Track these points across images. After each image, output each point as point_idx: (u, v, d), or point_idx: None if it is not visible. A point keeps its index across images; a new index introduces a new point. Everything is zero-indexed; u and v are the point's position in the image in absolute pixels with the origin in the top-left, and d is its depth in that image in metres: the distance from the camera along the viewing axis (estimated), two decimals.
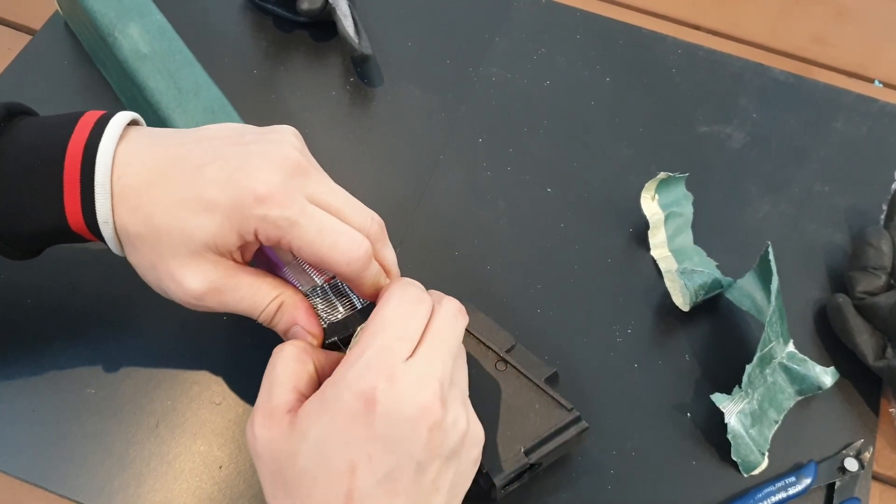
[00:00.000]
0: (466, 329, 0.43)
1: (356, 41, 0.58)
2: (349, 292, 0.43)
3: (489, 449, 0.41)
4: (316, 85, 0.60)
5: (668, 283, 0.53)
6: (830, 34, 0.66)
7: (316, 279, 0.43)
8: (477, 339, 0.45)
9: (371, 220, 0.41)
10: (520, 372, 0.44)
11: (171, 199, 0.38)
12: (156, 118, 0.51)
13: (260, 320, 0.41)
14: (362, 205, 0.42)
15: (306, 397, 0.37)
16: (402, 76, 0.61)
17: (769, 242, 0.48)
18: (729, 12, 0.67)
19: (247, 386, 0.48)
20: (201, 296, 0.40)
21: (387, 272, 0.42)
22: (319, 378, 0.39)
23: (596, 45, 0.64)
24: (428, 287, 0.47)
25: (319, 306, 0.42)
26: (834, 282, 0.54)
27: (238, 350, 0.49)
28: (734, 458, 0.47)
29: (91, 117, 0.40)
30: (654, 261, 0.54)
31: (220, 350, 0.50)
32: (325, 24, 0.61)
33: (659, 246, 0.55)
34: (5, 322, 0.49)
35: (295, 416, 0.36)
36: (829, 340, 0.52)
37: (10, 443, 0.47)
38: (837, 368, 0.50)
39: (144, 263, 0.40)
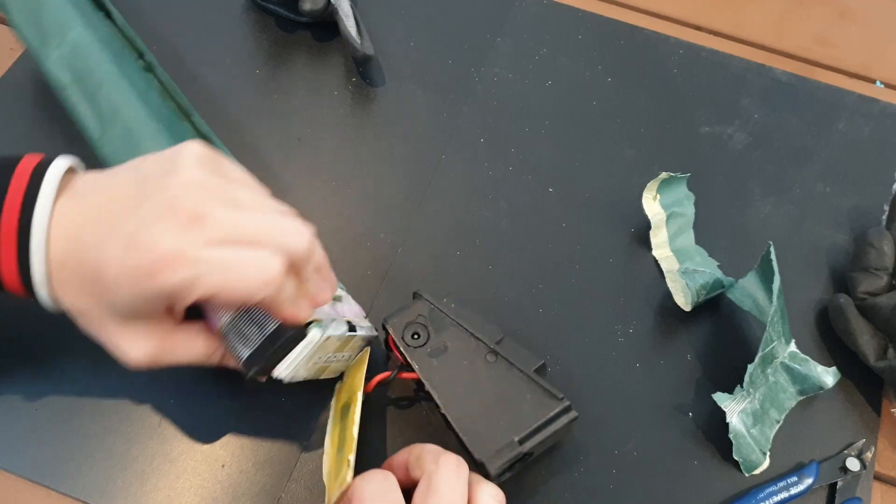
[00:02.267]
0: (457, 321, 0.44)
1: (358, 41, 0.59)
2: (259, 319, 0.41)
3: (483, 439, 0.42)
4: (318, 85, 0.61)
5: (669, 283, 0.53)
6: (833, 35, 0.66)
7: (224, 317, 0.42)
8: (467, 331, 0.46)
9: (292, 235, 0.38)
10: (510, 363, 0.44)
11: (86, 275, 0.38)
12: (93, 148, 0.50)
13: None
14: (282, 220, 0.38)
15: None
16: (403, 76, 0.61)
17: (771, 242, 0.48)
18: (731, 13, 0.67)
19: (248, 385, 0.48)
20: (144, 364, 0.41)
21: (311, 298, 0.41)
22: None
23: (598, 46, 0.64)
24: (429, 287, 0.48)
25: (233, 340, 0.41)
26: (835, 282, 0.54)
27: None
28: (736, 458, 0.47)
29: (28, 165, 0.39)
30: (656, 261, 0.54)
31: None
32: (327, 24, 0.61)
33: (661, 246, 0.55)
34: (7, 321, 0.49)
35: None
36: (831, 340, 0.52)
37: (12, 441, 0.47)
38: (839, 368, 0.50)
39: (87, 333, 0.40)
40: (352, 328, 0.44)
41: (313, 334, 0.41)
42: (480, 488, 0.39)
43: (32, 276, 0.38)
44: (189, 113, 0.53)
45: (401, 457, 0.42)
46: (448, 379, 0.44)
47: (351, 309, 0.47)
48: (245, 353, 0.41)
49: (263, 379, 0.43)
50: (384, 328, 0.47)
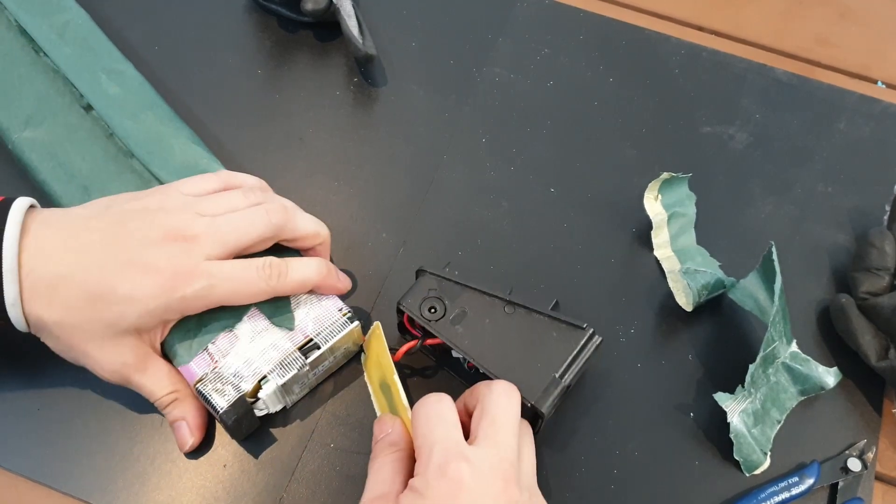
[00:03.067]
0: (467, 285, 0.46)
1: (360, 41, 0.59)
2: (233, 380, 0.44)
3: (526, 384, 0.44)
4: (320, 85, 0.61)
5: (671, 284, 0.53)
6: (834, 35, 0.66)
7: (205, 368, 0.44)
8: (480, 291, 0.47)
9: (258, 225, 0.45)
10: (528, 309, 0.46)
11: (86, 293, 0.42)
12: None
13: (155, 405, 0.46)
14: (246, 216, 0.45)
15: None
16: (405, 76, 0.61)
17: (772, 242, 0.48)
18: (732, 13, 0.67)
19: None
20: (114, 374, 0.43)
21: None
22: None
23: (599, 46, 0.64)
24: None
25: (210, 387, 0.44)
26: (837, 282, 0.54)
27: None
28: (737, 458, 0.47)
29: None
30: (657, 261, 0.54)
31: None
32: (329, 24, 0.61)
33: (662, 246, 0.55)
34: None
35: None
36: (832, 341, 0.52)
37: (14, 441, 0.47)
38: (840, 369, 0.50)
39: (60, 346, 0.43)
40: (308, 349, 0.45)
41: (266, 389, 0.45)
42: (489, 387, 0.42)
43: (4, 297, 0.41)
44: (129, 151, 0.52)
45: (460, 399, 0.43)
46: (476, 340, 0.46)
47: (319, 310, 0.47)
48: (227, 400, 0.44)
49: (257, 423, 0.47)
50: (398, 311, 0.48)
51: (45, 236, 0.42)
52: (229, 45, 0.62)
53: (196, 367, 0.44)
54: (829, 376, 0.50)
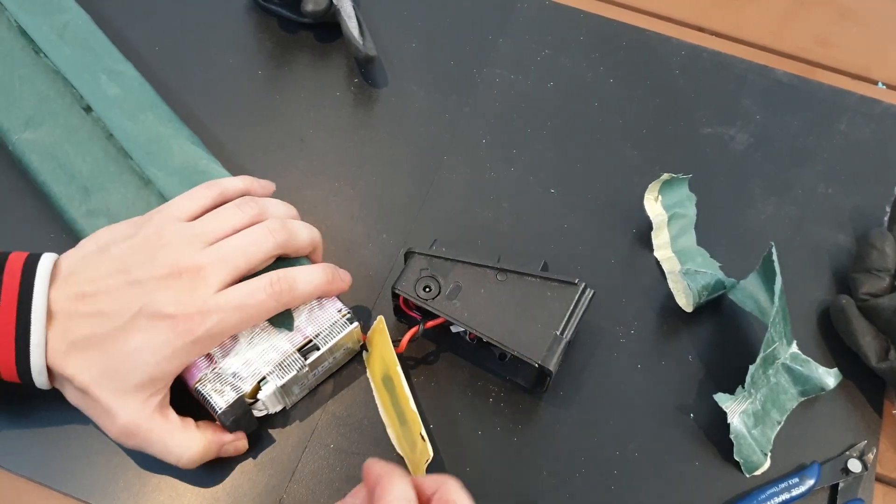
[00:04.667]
0: (457, 260, 0.47)
1: (360, 42, 0.59)
2: (233, 381, 0.44)
3: (531, 345, 0.45)
4: (320, 86, 0.61)
5: (671, 284, 0.53)
6: (834, 36, 0.66)
7: (204, 369, 0.44)
8: (470, 264, 0.48)
9: (259, 246, 0.44)
10: (519, 273, 0.47)
11: (101, 352, 0.41)
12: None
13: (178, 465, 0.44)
14: (246, 238, 0.44)
15: None
16: (406, 77, 0.61)
17: (773, 243, 0.48)
18: (732, 14, 0.67)
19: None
20: (127, 431, 0.42)
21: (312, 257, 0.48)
22: None
23: (599, 47, 0.64)
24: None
25: (209, 387, 0.44)
26: (837, 283, 0.54)
27: None
28: (737, 459, 0.47)
29: (16, 264, 0.42)
30: (658, 262, 0.54)
31: None
32: (329, 25, 0.61)
33: (662, 247, 0.55)
34: None
35: None
36: (833, 342, 0.52)
37: (14, 441, 0.47)
38: (840, 370, 0.50)
39: (75, 397, 0.43)
40: (307, 350, 0.45)
41: (266, 389, 0.45)
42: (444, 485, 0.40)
43: (31, 369, 0.41)
44: (127, 153, 0.52)
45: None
46: (474, 311, 0.47)
47: (318, 311, 0.47)
48: (226, 401, 0.44)
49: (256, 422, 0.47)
50: (393, 296, 0.48)
51: (57, 298, 0.42)
52: (230, 46, 0.62)
53: (195, 367, 0.44)
54: (829, 377, 0.50)
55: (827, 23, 0.67)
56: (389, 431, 0.48)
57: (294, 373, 0.45)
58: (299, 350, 0.45)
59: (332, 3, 0.60)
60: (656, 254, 0.55)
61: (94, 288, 0.42)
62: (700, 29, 0.67)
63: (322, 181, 0.57)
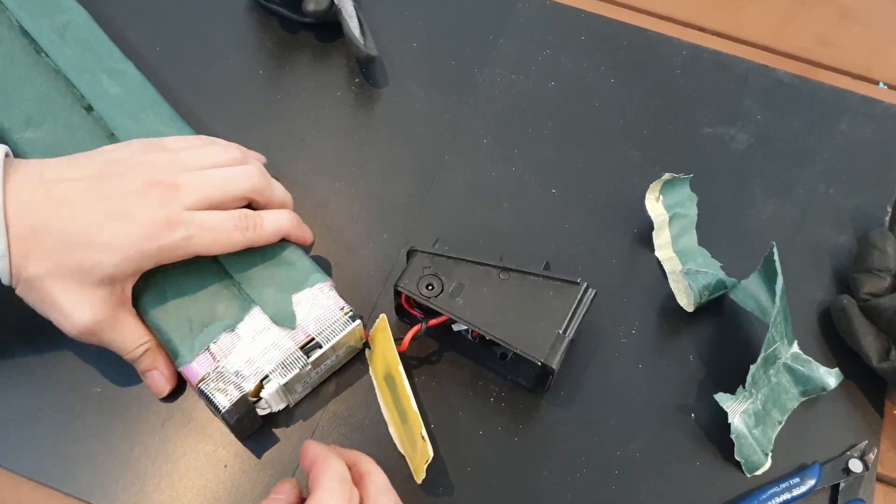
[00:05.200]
0: (460, 258, 0.47)
1: (361, 42, 0.59)
2: (235, 380, 0.44)
3: (533, 344, 0.45)
4: (321, 86, 0.61)
5: (672, 284, 0.53)
6: (835, 36, 0.66)
7: (207, 368, 0.45)
8: (473, 262, 0.48)
9: (243, 180, 0.46)
10: (522, 272, 0.48)
11: (65, 242, 0.42)
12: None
13: (125, 358, 0.45)
14: (229, 171, 0.46)
15: None
16: (407, 77, 0.61)
17: (774, 243, 0.48)
18: (733, 14, 0.67)
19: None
20: (86, 329, 0.43)
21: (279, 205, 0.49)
22: None
23: (600, 47, 0.64)
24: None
25: (212, 386, 0.44)
26: (838, 283, 0.54)
27: None
28: (738, 459, 0.47)
29: None
30: (659, 262, 0.54)
31: None
32: (330, 24, 0.61)
33: (663, 247, 0.55)
34: (11, 320, 0.49)
35: None
36: (834, 342, 0.52)
37: (15, 441, 0.47)
38: (842, 370, 0.50)
39: (32, 298, 0.43)
40: (310, 348, 0.45)
41: (269, 388, 0.45)
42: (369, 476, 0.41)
43: None
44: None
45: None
46: (477, 309, 0.47)
47: (320, 309, 0.47)
48: (229, 398, 0.44)
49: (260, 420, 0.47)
50: (396, 293, 0.48)
51: (24, 188, 0.42)
52: (230, 46, 0.62)
53: (198, 366, 0.44)
54: (830, 377, 0.50)
55: (828, 23, 0.67)
56: (392, 430, 0.48)
57: (297, 371, 0.45)
58: (302, 348, 0.45)
59: (333, 2, 0.60)
60: (657, 254, 0.55)
61: (67, 184, 0.43)
62: (701, 29, 0.67)
63: (323, 181, 0.57)
